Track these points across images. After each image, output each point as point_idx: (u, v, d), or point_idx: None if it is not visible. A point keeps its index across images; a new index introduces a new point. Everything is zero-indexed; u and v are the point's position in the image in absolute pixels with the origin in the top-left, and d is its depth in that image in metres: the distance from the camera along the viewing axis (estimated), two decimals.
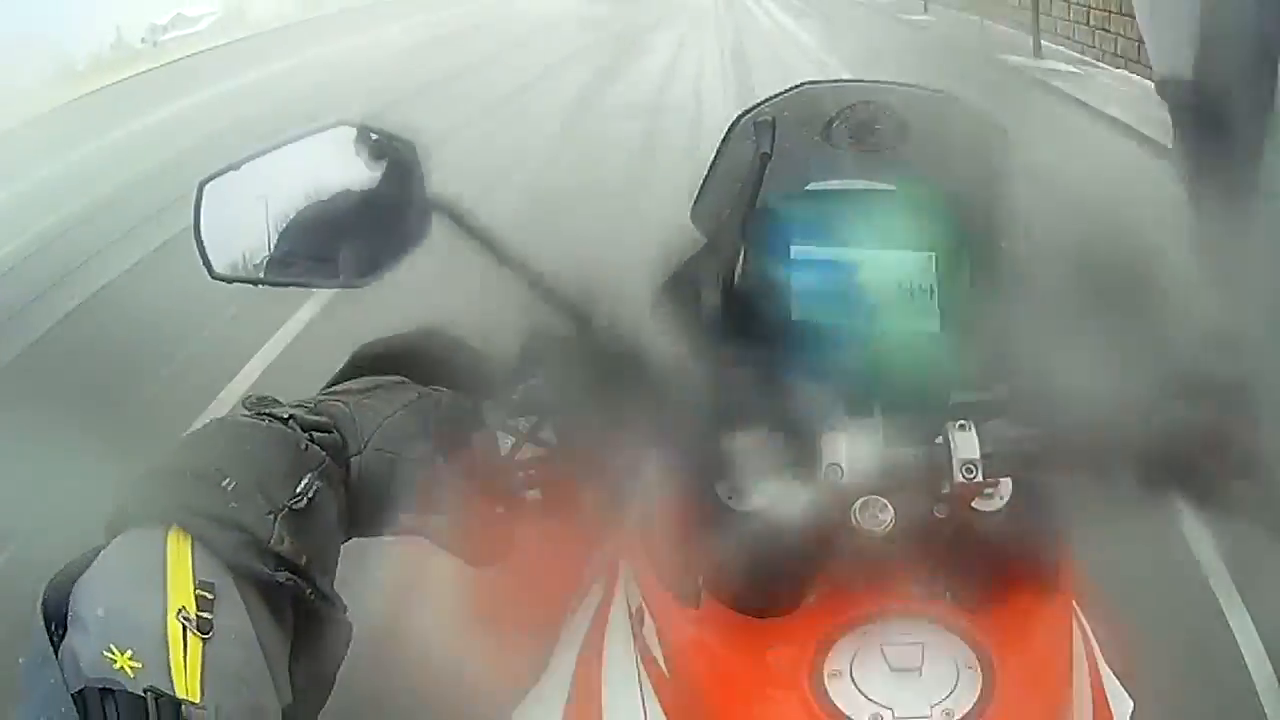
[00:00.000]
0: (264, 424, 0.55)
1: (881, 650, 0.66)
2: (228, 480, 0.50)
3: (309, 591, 0.51)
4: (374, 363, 0.69)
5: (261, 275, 0.69)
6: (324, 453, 0.56)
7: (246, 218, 0.70)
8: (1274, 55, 0.23)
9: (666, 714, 0.69)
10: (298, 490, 0.52)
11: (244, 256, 0.70)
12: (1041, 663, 0.70)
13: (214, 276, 0.69)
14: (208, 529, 0.48)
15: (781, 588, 0.72)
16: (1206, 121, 0.27)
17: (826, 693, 0.64)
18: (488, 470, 0.62)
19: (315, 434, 0.56)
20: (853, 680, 0.64)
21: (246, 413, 0.57)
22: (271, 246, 0.69)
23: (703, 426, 0.66)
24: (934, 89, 0.74)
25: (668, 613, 0.71)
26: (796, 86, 0.72)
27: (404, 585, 0.57)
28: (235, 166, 0.69)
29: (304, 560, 0.51)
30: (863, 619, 0.68)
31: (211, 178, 0.70)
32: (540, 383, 0.64)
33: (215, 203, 0.70)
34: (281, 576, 0.49)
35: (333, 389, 0.63)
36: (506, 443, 0.63)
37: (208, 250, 0.69)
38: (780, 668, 0.66)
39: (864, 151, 0.73)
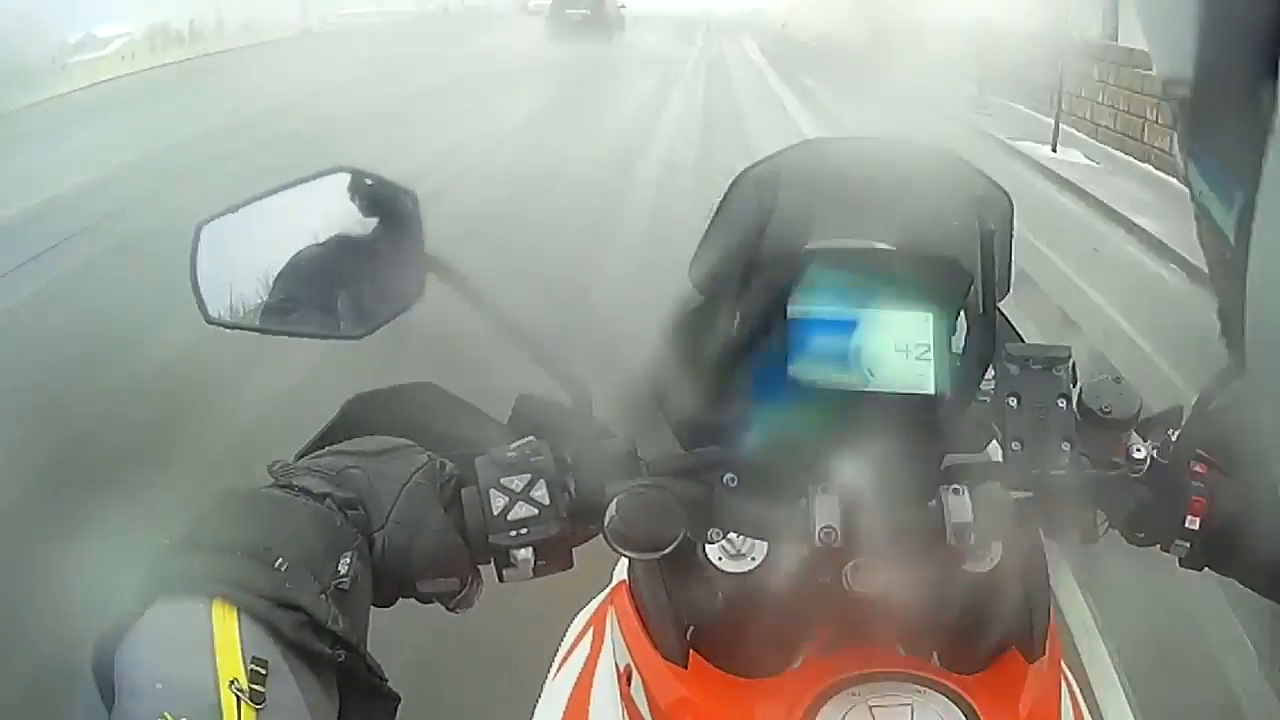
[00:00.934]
0: (303, 501, 0.56)
1: (870, 711, 0.66)
2: (280, 561, 0.51)
3: (360, 666, 0.52)
4: (366, 415, 0.69)
5: (257, 323, 0.69)
6: (355, 530, 0.57)
7: (243, 262, 0.69)
8: (1275, 55, 0.23)
9: None
10: (339, 570, 0.54)
11: (240, 302, 0.69)
12: None
13: (209, 321, 0.68)
14: (264, 607, 0.49)
15: (771, 649, 0.71)
16: (1207, 121, 0.26)
17: None
18: (480, 529, 0.62)
19: (348, 511, 0.58)
20: None
21: (275, 483, 0.58)
22: (268, 293, 0.68)
23: (694, 487, 0.66)
24: (937, 148, 0.74)
25: (655, 672, 0.71)
26: (799, 144, 0.72)
27: (381, 642, 0.57)
28: (234, 209, 0.69)
29: (354, 638, 0.52)
30: (852, 680, 0.68)
31: (209, 220, 0.69)
32: (533, 441, 0.64)
33: (212, 245, 0.69)
34: (340, 656, 0.51)
35: (342, 448, 0.63)
36: (499, 501, 0.62)
37: (203, 294, 0.68)
38: None
39: (864, 209, 0.73)
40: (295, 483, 0.58)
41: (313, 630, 0.50)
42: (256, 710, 0.46)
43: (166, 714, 0.44)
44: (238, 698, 0.46)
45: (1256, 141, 0.25)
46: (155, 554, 0.52)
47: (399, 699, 0.55)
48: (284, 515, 0.55)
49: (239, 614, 0.49)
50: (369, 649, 0.54)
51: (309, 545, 0.54)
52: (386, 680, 0.54)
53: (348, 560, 0.55)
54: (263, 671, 0.47)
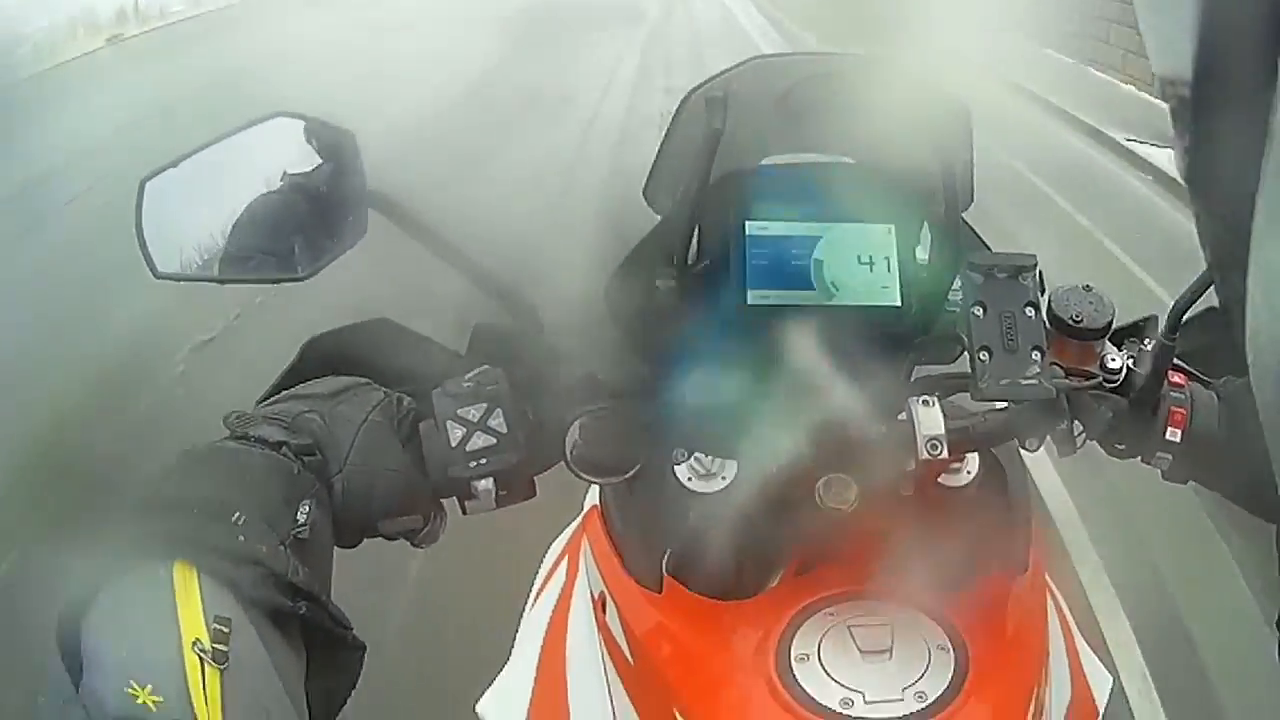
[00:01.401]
0: (258, 451, 0.56)
1: (850, 632, 0.65)
2: (237, 515, 0.51)
3: (323, 616, 0.52)
4: (325, 354, 0.68)
5: (207, 273, 0.68)
6: (313, 476, 0.57)
7: (188, 215, 0.68)
8: (1275, 55, 0.22)
9: (631, 700, 0.69)
10: (298, 519, 0.54)
11: (187, 255, 0.68)
12: (1016, 641, 0.69)
13: (158, 276, 0.68)
14: (223, 565, 0.49)
15: (745, 570, 0.71)
16: (1206, 121, 0.26)
17: (795, 677, 0.63)
18: (439, 462, 0.61)
19: (304, 458, 0.57)
20: (821, 664, 0.64)
21: (231, 434, 0.57)
22: (214, 244, 0.67)
23: (658, 408, 0.65)
24: (890, 60, 0.72)
25: (629, 598, 0.70)
26: (749, 60, 0.70)
27: (357, 577, 0.56)
28: (175, 163, 0.68)
29: (315, 588, 0.52)
30: (830, 601, 0.67)
31: (152, 175, 0.68)
32: (489, 370, 0.63)
33: (156, 201, 0.68)
34: (302, 608, 0.50)
35: (297, 392, 0.62)
36: (457, 433, 0.62)
37: (150, 250, 0.68)
38: (746, 652, 0.65)
39: (819, 124, 0.71)
40: (251, 433, 0.57)
41: (274, 584, 0.50)
42: (220, 670, 0.45)
43: (134, 683, 0.44)
44: (201, 659, 0.45)
45: (1256, 141, 0.25)
46: (114, 521, 0.51)
47: (364, 647, 0.54)
48: (240, 468, 0.55)
49: (198, 574, 0.48)
50: (333, 595, 0.54)
51: (266, 497, 0.53)
52: (351, 628, 0.54)
53: (306, 508, 0.54)
54: (225, 630, 0.46)
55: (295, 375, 0.65)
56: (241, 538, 0.50)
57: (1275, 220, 0.25)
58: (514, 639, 0.81)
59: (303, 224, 0.67)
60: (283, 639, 0.50)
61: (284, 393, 0.63)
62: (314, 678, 0.52)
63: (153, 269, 0.68)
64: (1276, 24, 0.25)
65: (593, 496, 0.81)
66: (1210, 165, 0.29)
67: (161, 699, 0.44)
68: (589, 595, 0.76)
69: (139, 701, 0.43)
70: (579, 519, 0.84)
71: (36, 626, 0.49)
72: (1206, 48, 0.27)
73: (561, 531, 0.88)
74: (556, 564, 0.85)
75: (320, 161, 0.67)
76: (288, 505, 0.54)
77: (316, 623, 0.52)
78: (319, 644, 0.53)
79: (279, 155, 0.68)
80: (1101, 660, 0.81)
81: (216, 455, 0.56)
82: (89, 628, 0.46)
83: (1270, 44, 0.25)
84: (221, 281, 0.68)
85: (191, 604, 0.47)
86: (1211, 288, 0.68)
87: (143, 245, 0.68)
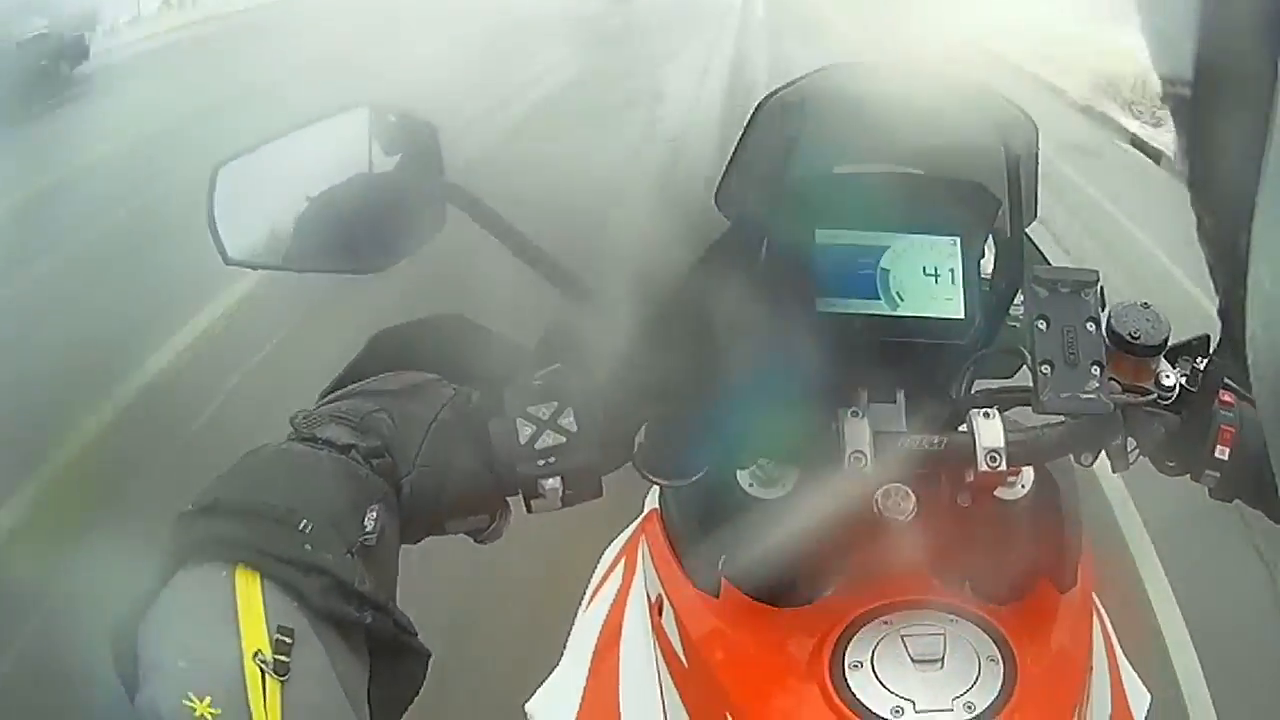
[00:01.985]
0: (326, 455, 0.55)
1: (902, 641, 0.65)
2: (304, 523, 0.49)
3: (388, 625, 0.51)
4: (393, 348, 0.68)
5: (277, 261, 0.68)
6: (382, 479, 0.56)
7: (262, 203, 0.69)
8: (1275, 55, 0.23)
9: (685, 704, 0.69)
10: (365, 525, 0.52)
11: (259, 242, 0.69)
12: (1063, 655, 0.70)
13: (228, 262, 0.68)
14: (289, 573, 0.47)
15: (802, 577, 0.71)
16: (1206, 121, 0.26)
17: (847, 684, 0.63)
18: (508, 460, 0.61)
19: (373, 460, 0.56)
20: (874, 671, 0.64)
21: (298, 436, 0.57)
22: (287, 232, 0.68)
23: (726, 413, 0.66)
24: (962, 73, 0.72)
25: (687, 601, 0.70)
26: (825, 67, 0.71)
27: (415, 572, 0.56)
28: (251, 150, 0.68)
29: (382, 595, 0.51)
30: (884, 610, 0.68)
31: (226, 161, 0.69)
32: (560, 369, 0.64)
33: (229, 187, 0.69)
34: (368, 617, 0.49)
35: (365, 387, 0.62)
36: (526, 430, 0.62)
37: (221, 235, 0.68)
38: (800, 658, 0.66)
39: (890, 135, 0.72)
40: (318, 434, 0.56)
41: (340, 594, 0.49)
42: (281, 682, 0.44)
43: (190, 694, 0.43)
44: (262, 670, 0.44)
45: (1257, 141, 0.25)
46: (175, 522, 0.50)
47: (429, 654, 0.54)
48: (307, 472, 0.53)
49: (263, 581, 0.47)
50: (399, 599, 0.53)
51: (333, 502, 0.52)
52: (416, 634, 0.53)
53: (375, 513, 0.53)
54: (288, 641, 0.45)
55: (362, 368, 0.65)
56: (308, 546, 0.49)
57: (1276, 220, 0.25)
58: (567, 639, 0.81)
59: (378, 216, 0.67)
60: (347, 648, 0.49)
61: (352, 388, 0.62)
62: (377, 685, 0.51)
63: (223, 254, 0.68)
64: (1277, 24, 0.25)
65: (652, 499, 0.81)
66: (1211, 165, 0.29)
67: (220, 711, 0.43)
68: (645, 597, 0.76)
69: (197, 714, 0.42)
70: (638, 521, 0.84)
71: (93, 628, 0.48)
72: (1207, 48, 0.27)
73: (620, 532, 0.88)
74: (613, 565, 0.85)
75: (398, 154, 0.67)
76: (355, 511, 0.53)
77: (382, 631, 0.51)
78: (383, 651, 0.52)
79: (356, 146, 0.68)
80: (1141, 680, 0.82)
81: (283, 459, 0.55)
82: (146, 635, 0.46)
83: (1270, 44, 0.25)
84: (292, 270, 0.68)
85: (254, 613, 0.46)
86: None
87: (214, 230, 0.68)
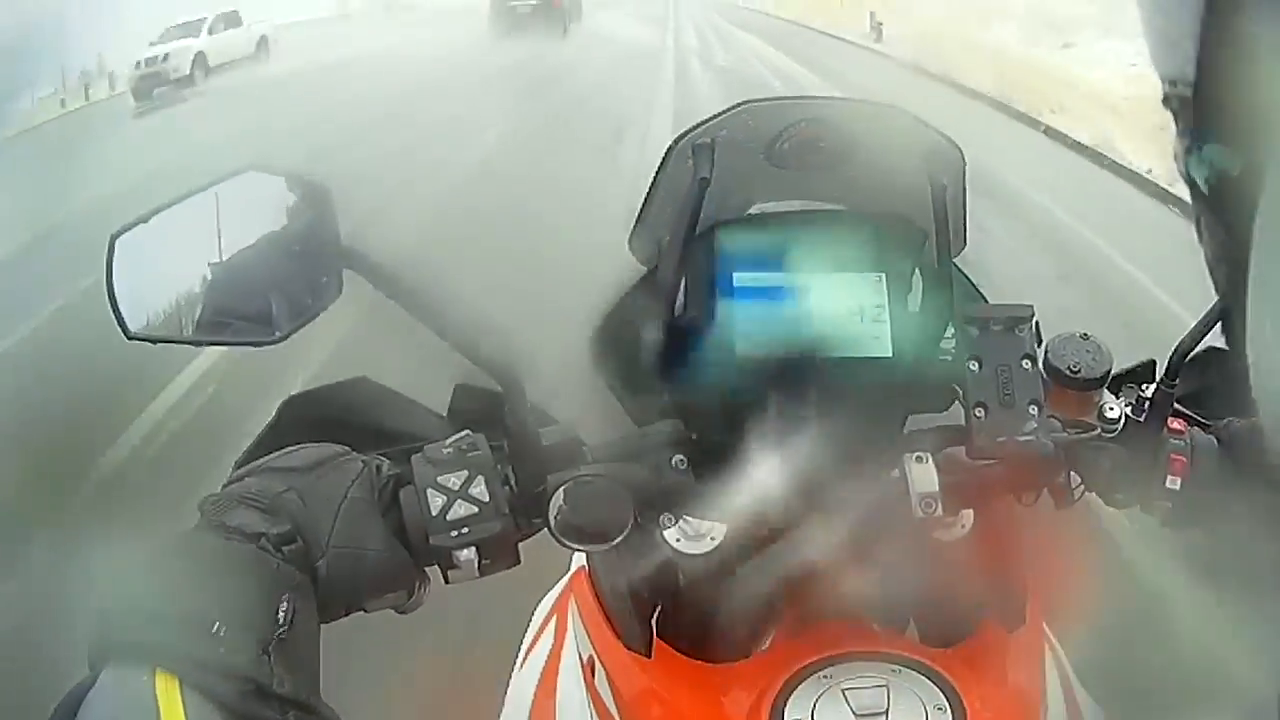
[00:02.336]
0: (236, 546, 0.54)
1: (844, 695, 0.63)
2: (216, 625, 0.50)
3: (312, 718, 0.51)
4: (304, 415, 0.66)
5: (178, 334, 0.66)
6: (293, 566, 0.55)
7: (159, 273, 0.67)
8: (1275, 54, 0.22)
9: None
10: (279, 619, 0.52)
11: (160, 315, 0.66)
12: (1014, 697, 0.68)
13: (129, 337, 0.66)
14: (208, 679, 0.48)
15: (736, 632, 0.69)
16: (1207, 121, 0.26)
17: None
18: (420, 531, 0.59)
19: (285, 547, 0.55)
20: None
21: (208, 523, 0.56)
22: (186, 303, 0.65)
23: (647, 471, 0.64)
24: (882, 104, 0.70)
25: (619, 662, 0.68)
26: (737, 105, 0.68)
27: (341, 641, 0.55)
28: (144, 219, 0.66)
29: (303, 691, 0.51)
30: (823, 662, 0.65)
31: (122, 231, 0.66)
32: (469, 436, 0.61)
33: (127, 257, 0.66)
34: (290, 717, 0.50)
35: (273, 464, 0.60)
36: (437, 501, 0.60)
37: (121, 309, 0.66)
38: (738, 716, 0.64)
39: (809, 171, 0.70)
40: (227, 521, 0.55)
41: (258, 697, 0.49)
42: None
43: None
44: None
45: (1257, 141, 0.25)
46: (96, 620, 0.50)
47: None
48: (218, 567, 0.53)
49: (181, 685, 0.48)
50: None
51: (246, 598, 0.52)
52: None
53: (287, 603, 0.53)
54: None
55: (273, 436, 0.64)
56: (222, 649, 0.49)
57: (1277, 219, 0.25)
58: (502, 701, 0.80)
59: (278, 282, 0.65)
60: None
61: (261, 463, 0.61)
62: None
63: (124, 329, 0.66)
64: (1277, 24, 0.24)
65: (580, 557, 0.79)
66: (1211, 165, 0.28)
67: None
68: (578, 658, 0.74)
69: None
70: (566, 578, 0.82)
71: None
72: (1207, 48, 0.26)
73: (550, 589, 0.86)
74: (544, 624, 0.83)
75: (291, 218, 0.65)
76: (269, 604, 0.52)
77: None
78: None
79: (253, 211, 0.66)
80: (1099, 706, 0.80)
81: (195, 550, 0.54)
82: None
83: (1271, 44, 0.24)
84: (194, 344, 0.66)
85: (173, 710, 0.47)
86: (1212, 332, 0.67)
87: (114, 304, 0.66)
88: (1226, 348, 0.70)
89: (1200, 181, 0.29)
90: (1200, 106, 0.28)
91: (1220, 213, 0.28)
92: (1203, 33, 0.26)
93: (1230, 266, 0.28)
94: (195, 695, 0.48)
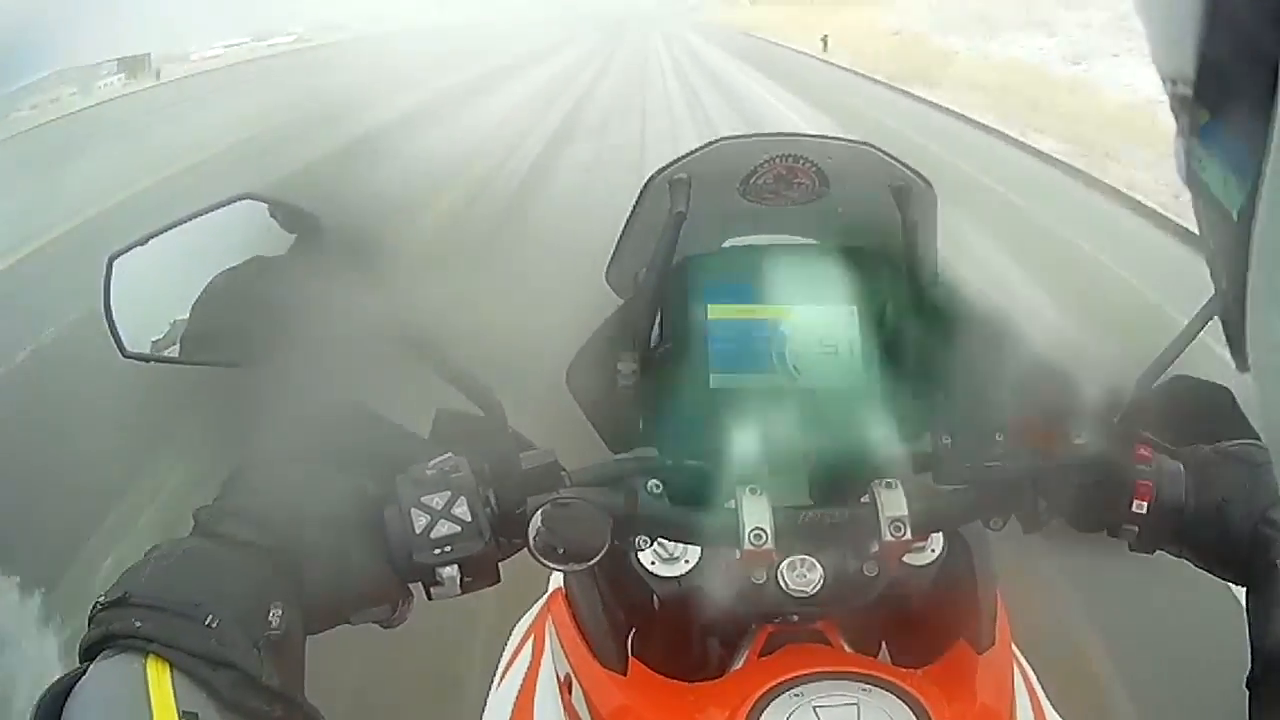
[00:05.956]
0: (228, 553, 0.56)
1: (815, 713, 0.65)
2: (210, 618, 0.51)
3: (296, 717, 0.52)
4: (291, 436, 0.68)
5: (174, 354, 0.68)
6: (281, 577, 0.57)
7: (156, 295, 0.69)
8: (1277, 55, 0.23)
9: None
10: (270, 622, 0.54)
11: (156, 335, 0.69)
12: (984, 714, 0.69)
13: (125, 355, 0.68)
14: (199, 666, 0.50)
15: (710, 652, 0.71)
16: (1207, 120, 0.26)
17: None
18: (404, 549, 0.61)
19: (274, 558, 0.57)
20: None
21: (201, 531, 0.58)
22: (180, 324, 0.67)
23: (621, 494, 0.65)
24: (854, 140, 0.72)
25: (595, 680, 0.70)
26: (713, 142, 0.71)
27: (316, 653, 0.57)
28: (142, 241, 0.68)
29: (289, 688, 0.52)
30: (796, 681, 0.67)
31: (120, 253, 0.68)
32: (452, 458, 0.63)
33: (125, 278, 0.68)
34: (276, 711, 0.51)
35: (264, 481, 0.62)
36: (421, 520, 0.62)
37: (119, 328, 0.68)
38: None
39: (782, 205, 0.72)
40: (219, 530, 0.58)
41: (247, 687, 0.50)
42: None
43: None
44: None
45: (1258, 139, 0.25)
46: (91, 614, 0.52)
47: None
48: (211, 570, 0.55)
49: (172, 671, 0.49)
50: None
51: (237, 600, 0.54)
52: None
53: (278, 610, 0.55)
54: None
55: (262, 456, 0.65)
56: (214, 640, 0.51)
57: (1277, 219, 0.25)
58: (480, 717, 0.81)
59: (270, 307, 0.67)
60: None
61: (251, 479, 0.62)
62: None
63: (121, 348, 0.68)
64: (1277, 24, 0.25)
65: (556, 578, 0.81)
66: (1212, 164, 0.28)
67: None
68: (555, 676, 0.75)
69: None
70: (544, 598, 0.84)
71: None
72: (1207, 45, 0.26)
73: (528, 610, 0.88)
74: (522, 643, 0.85)
75: (285, 243, 0.67)
76: (259, 607, 0.54)
77: None
78: None
79: (245, 235, 0.68)
80: None
81: (188, 556, 0.56)
82: (69, 714, 0.47)
83: (1271, 43, 0.25)
84: (186, 364, 0.68)
85: (165, 701, 0.48)
86: (1176, 359, 0.69)
87: (111, 324, 0.68)
88: (1190, 375, 0.72)
89: (1201, 182, 0.29)
90: (1201, 105, 0.28)
91: (1223, 213, 0.28)
92: (1203, 33, 0.26)
93: (1231, 266, 0.28)
94: (186, 682, 0.49)
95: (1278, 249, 0.25)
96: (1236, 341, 0.29)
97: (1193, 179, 0.29)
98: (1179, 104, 0.29)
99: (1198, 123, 0.28)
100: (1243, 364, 0.28)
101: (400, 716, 1.66)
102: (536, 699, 0.76)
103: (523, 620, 0.88)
